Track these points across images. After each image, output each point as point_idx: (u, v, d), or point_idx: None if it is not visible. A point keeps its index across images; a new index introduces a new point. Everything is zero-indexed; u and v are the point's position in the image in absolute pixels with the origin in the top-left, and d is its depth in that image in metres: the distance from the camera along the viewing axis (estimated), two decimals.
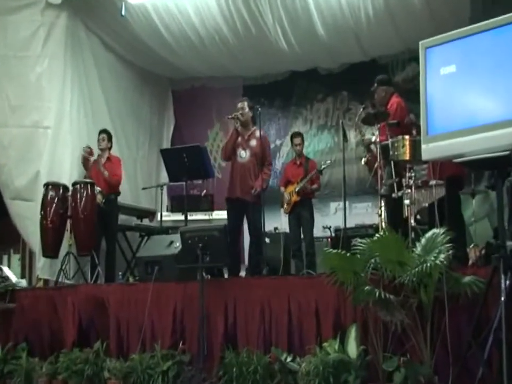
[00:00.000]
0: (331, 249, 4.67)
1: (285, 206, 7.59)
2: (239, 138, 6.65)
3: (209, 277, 5.84)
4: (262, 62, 8.98)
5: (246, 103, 6.69)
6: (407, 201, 5.18)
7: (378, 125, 5.84)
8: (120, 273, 7.28)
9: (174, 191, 8.86)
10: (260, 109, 6.49)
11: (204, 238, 5.04)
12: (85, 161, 7.45)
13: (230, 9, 7.89)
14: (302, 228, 7.40)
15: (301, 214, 7.42)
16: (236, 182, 6.53)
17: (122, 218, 7.94)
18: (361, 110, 6.25)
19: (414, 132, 5.54)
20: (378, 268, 4.26)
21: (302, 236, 7.41)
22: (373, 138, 6.06)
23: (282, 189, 7.72)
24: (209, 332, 5.05)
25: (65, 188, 6.87)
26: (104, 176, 7.29)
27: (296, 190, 7.44)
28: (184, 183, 6.65)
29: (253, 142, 6.59)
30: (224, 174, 9.43)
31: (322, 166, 7.48)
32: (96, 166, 7.41)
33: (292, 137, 7.83)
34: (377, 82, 6.31)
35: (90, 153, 7.42)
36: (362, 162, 6.44)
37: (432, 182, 5.30)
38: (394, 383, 4.10)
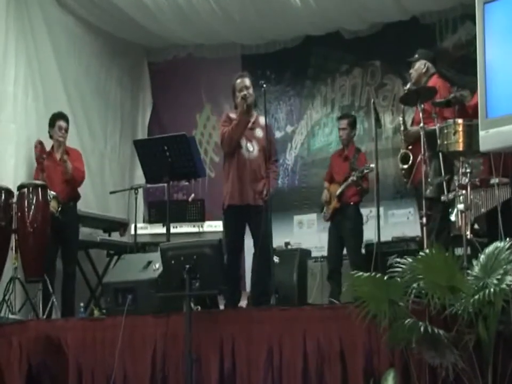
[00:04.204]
0: (360, 272, 4.65)
1: (324, 208, 7.70)
2: None
3: (199, 308, 5.83)
4: (267, 24, 9.00)
5: (247, 80, 6.47)
6: (461, 206, 5.16)
7: (423, 106, 5.83)
8: (81, 304, 7.29)
9: (152, 196, 8.89)
10: (264, 85, 6.31)
11: (191, 257, 5.02)
12: (39, 161, 7.22)
13: None
14: (345, 243, 7.55)
15: (342, 224, 7.57)
16: (245, 184, 6.33)
17: (85, 232, 7.96)
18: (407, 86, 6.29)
19: None
20: (422, 295, 4.23)
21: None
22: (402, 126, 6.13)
23: (326, 184, 7.90)
24: (199, 381, 5.02)
25: (9, 192, 6.84)
26: (67, 169, 7.26)
27: (337, 194, 7.53)
28: (165, 184, 6.65)
29: (259, 132, 6.45)
30: (218, 172, 9.43)
31: (365, 171, 7.45)
32: (50, 163, 7.35)
33: (337, 119, 8.11)
34: (419, 54, 6.29)
35: (42, 150, 7.30)
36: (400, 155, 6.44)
37: (494, 180, 5.28)
38: None
